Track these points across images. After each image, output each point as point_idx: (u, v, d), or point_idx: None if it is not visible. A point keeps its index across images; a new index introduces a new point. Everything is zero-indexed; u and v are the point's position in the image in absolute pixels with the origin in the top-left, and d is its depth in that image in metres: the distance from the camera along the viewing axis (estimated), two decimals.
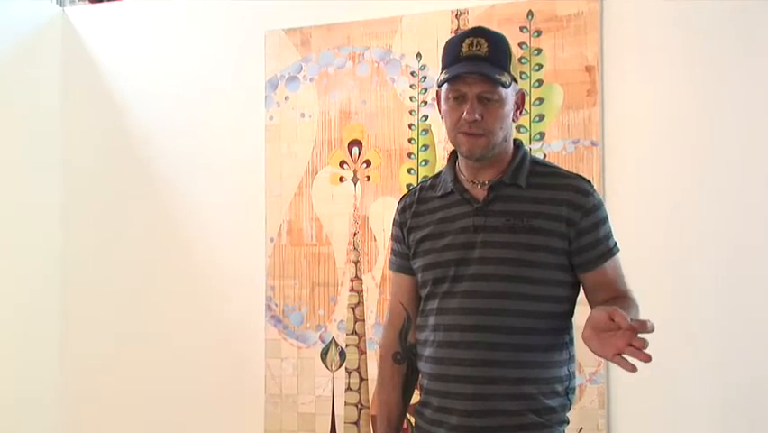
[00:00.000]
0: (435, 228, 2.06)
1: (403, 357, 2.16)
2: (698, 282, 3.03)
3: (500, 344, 1.96)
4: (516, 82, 2.03)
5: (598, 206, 2.03)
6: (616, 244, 2.04)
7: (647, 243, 3.07)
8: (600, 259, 2.00)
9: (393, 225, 2.20)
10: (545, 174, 2.05)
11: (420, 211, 2.12)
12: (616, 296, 1.96)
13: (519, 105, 2.05)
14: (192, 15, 3.87)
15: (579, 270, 2.02)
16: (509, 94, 1.99)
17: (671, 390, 3.04)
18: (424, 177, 3.34)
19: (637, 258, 3.13)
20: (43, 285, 3.90)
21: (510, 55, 2.01)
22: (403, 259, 2.16)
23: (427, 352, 2.05)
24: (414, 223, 2.12)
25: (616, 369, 3.18)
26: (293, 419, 3.53)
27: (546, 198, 2.00)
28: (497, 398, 1.95)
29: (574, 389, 2.07)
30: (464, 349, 1.97)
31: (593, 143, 3.17)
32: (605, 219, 2.03)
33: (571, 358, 2.05)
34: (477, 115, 1.94)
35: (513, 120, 2.03)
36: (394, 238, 2.20)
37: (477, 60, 1.95)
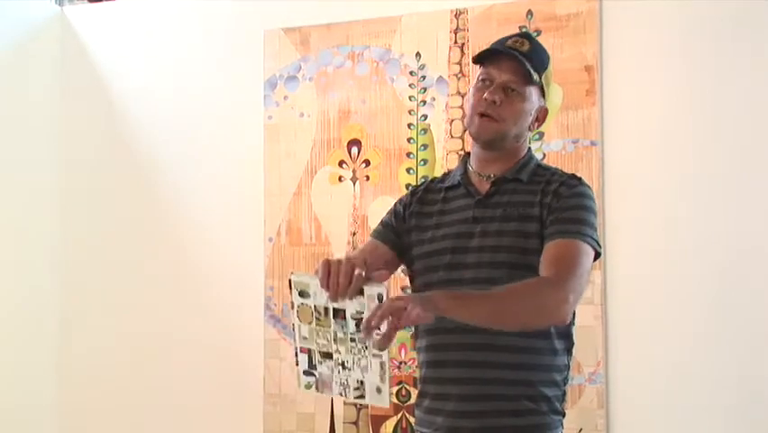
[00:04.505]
0: (437, 218, 2.10)
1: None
2: (697, 282, 3.03)
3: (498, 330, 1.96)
4: (545, 96, 2.07)
5: (579, 193, 2.01)
6: (590, 237, 1.96)
7: (646, 242, 3.07)
8: (557, 234, 1.95)
9: (396, 203, 2.19)
10: (545, 174, 2.09)
11: (427, 199, 2.15)
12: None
13: (540, 119, 2.09)
14: (190, 14, 3.86)
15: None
16: (534, 97, 2.05)
17: (670, 390, 3.04)
18: (423, 176, 3.35)
19: (636, 257, 3.14)
20: (41, 285, 3.89)
21: (546, 66, 2.07)
22: (387, 230, 2.15)
23: (424, 342, 2.07)
24: (417, 208, 2.14)
25: (615, 369, 3.20)
26: (292, 419, 3.53)
27: (539, 191, 2.03)
28: (494, 382, 1.97)
29: (569, 381, 2.08)
30: (461, 334, 1.97)
31: (593, 143, 3.17)
32: (581, 207, 1.99)
33: (571, 347, 2.06)
34: (496, 98, 2.00)
35: (530, 129, 2.08)
36: (390, 213, 2.18)
37: (516, 52, 2.03)
